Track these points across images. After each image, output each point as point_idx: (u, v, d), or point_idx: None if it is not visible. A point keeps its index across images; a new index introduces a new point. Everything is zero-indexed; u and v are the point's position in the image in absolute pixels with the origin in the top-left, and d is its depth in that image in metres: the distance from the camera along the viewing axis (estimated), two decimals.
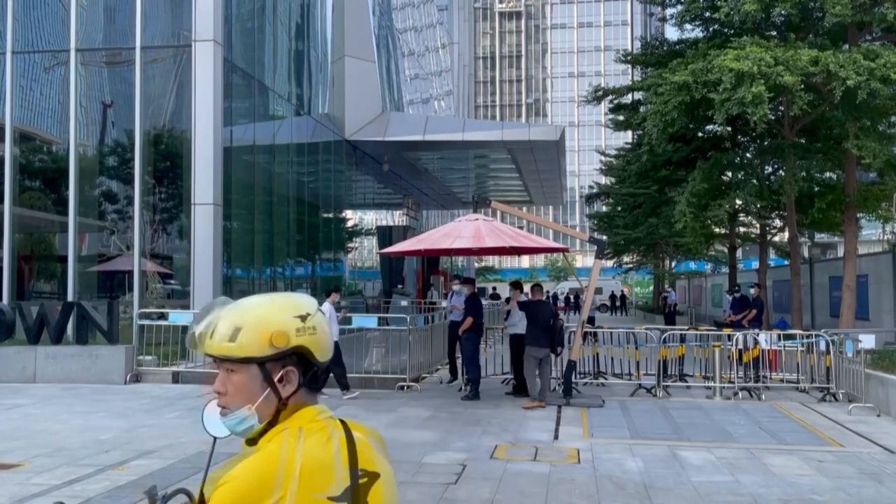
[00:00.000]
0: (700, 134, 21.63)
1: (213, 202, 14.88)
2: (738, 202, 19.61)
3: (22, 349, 13.02)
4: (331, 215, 23.94)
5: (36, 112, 17.24)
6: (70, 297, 15.15)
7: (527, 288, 12.05)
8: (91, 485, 6.48)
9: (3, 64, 16.27)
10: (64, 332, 13.26)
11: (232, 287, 16.38)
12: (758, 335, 12.52)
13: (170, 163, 16.27)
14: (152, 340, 13.39)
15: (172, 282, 16.42)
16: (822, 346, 12.07)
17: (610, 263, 47.07)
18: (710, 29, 18.08)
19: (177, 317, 13.68)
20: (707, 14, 17.07)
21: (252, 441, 1.63)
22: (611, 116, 25.88)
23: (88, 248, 16.50)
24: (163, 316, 13.77)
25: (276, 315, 1.57)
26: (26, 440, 8.19)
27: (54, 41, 16.58)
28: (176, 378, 13.05)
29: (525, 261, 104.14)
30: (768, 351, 12.59)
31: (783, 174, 17.95)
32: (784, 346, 12.80)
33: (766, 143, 19.65)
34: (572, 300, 47.09)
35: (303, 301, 1.63)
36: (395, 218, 32.20)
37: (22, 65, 16.52)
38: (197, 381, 12.85)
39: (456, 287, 13.26)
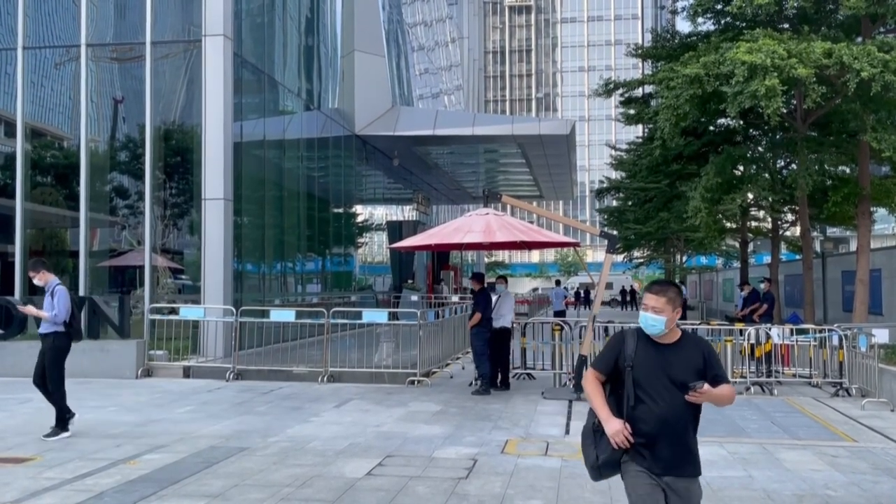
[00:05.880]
0: (711, 128, 21.49)
1: (223, 197, 14.91)
2: (750, 196, 19.48)
3: (34, 343, 13.05)
4: (341, 210, 23.95)
5: (47, 108, 17.30)
6: (81, 292, 15.22)
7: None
8: (103, 479, 6.49)
9: (15, 60, 16.34)
10: None
11: (243, 282, 16.42)
12: (770, 330, 12.44)
13: (180, 158, 16.30)
14: (163, 335, 13.43)
15: (183, 277, 16.47)
16: (835, 341, 11.98)
17: (620, 258, 46.93)
18: (722, 22, 17.94)
19: (188, 311, 13.73)
20: (719, 6, 16.93)
21: None
22: (621, 110, 25.74)
23: (100, 244, 16.57)
24: (174, 311, 13.81)
25: None
26: (38, 434, 8.22)
27: (65, 37, 16.62)
28: (187, 373, 13.10)
29: (535, 255, 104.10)
30: (780, 346, 12.51)
31: (796, 168, 17.81)
32: (796, 341, 12.71)
33: (778, 136, 19.50)
34: (582, 295, 47.11)
35: None
36: (405, 213, 32.20)
37: (33, 60, 16.58)
38: (207, 376, 12.90)
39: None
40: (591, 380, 3.95)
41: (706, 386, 3.66)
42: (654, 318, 3.78)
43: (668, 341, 3.81)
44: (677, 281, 38.82)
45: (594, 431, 3.89)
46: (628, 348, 3.84)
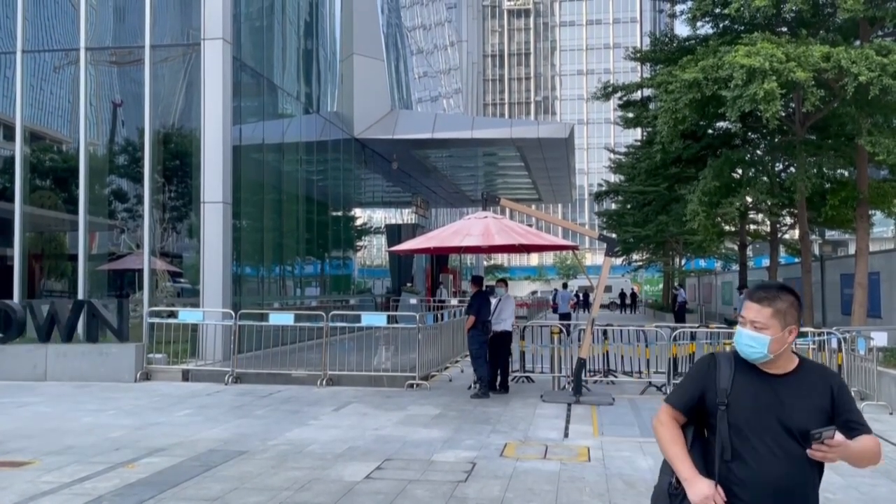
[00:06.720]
0: (710, 131, 21.53)
1: (222, 200, 14.91)
2: (749, 200, 19.51)
3: (33, 347, 13.08)
4: (340, 213, 23.96)
5: (46, 111, 17.31)
6: (80, 296, 15.22)
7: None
8: (101, 483, 6.49)
9: (14, 63, 16.34)
10: (74, 330, 13.32)
11: (242, 286, 16.42)
12: None
13: (179, 161, 16.30)
14: (162, 338, 13.43)
15: (182, 280, 16.46)
16: (834, 344, 11.97)
17: (619, 261, 46.96)
18: (721, 25, 17.98)
19: (187, 315, 13.72)
20: (717, 10, 16.98)
21: None
22: (620, 114, 25.81)
23: (99, 247, 16.56)
24: (172, 314, 13.80)
25: None
26: (37, 438, 8.21)
27: (64, 40, 16.64)
28: (186, 376, 13.08)
29: (534, 259, 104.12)
30: None
31: (794, 171, 17.84)
32: (795, 344, 12.69)
33: (776, 139, 19.55)
34: (581, 298, 47.13)
35: None
36: (404, 216, 32.21)
37: (32, 64, 16.59)
38: (206, 380, 12.89)
39: None
40: (665, 422, 2.76)
41: (838, 436, 2.45)
42: (753, 338, 2.64)
43: (781, 371, 2.69)
44: (676, 284, 38.65)
45: (670, 495, 2.69)
46: (722, 379, 2.66)
